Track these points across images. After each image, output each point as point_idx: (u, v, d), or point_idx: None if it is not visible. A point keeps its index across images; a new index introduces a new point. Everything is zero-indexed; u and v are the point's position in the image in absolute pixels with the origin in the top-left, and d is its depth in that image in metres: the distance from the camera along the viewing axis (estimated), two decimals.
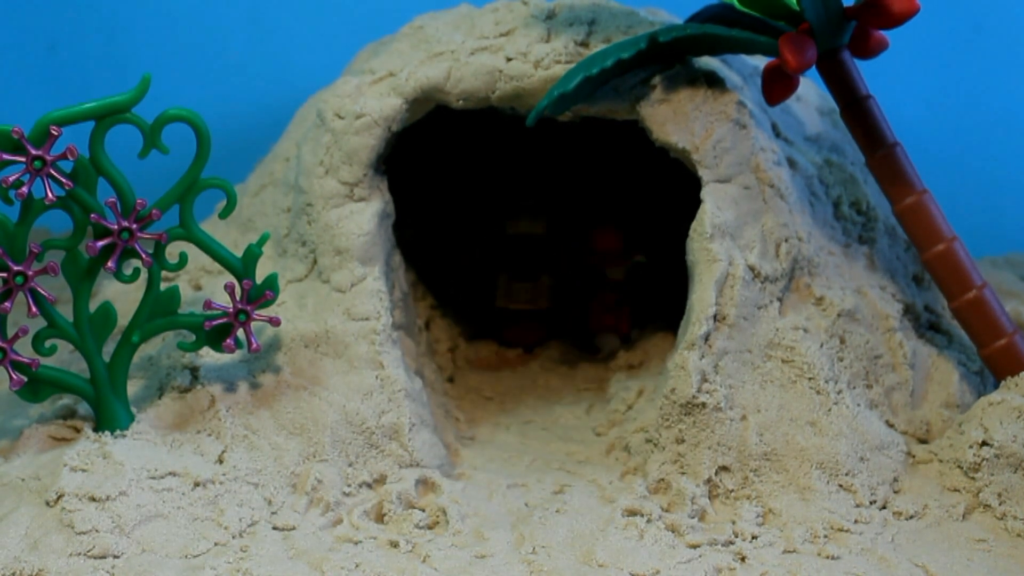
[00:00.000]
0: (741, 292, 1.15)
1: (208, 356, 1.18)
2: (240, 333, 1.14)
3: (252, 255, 1.12)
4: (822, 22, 1.14)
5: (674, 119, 1.18)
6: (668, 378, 1.14)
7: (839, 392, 1.15)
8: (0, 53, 1.76)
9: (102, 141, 1.07)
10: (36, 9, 1.75)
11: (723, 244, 1.16)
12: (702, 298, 1.14)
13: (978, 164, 1.82)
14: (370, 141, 1.22)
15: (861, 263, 1.25)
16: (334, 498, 1.10)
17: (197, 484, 1.07)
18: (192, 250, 1.15)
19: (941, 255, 1.17)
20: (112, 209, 1.07)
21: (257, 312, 1.12)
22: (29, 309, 1.07)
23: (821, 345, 1.17)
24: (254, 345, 1.12)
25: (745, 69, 1.29)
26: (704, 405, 1.12)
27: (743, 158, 1.18)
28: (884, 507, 1.11)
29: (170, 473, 1.07)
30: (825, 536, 1.07)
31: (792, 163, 1.25)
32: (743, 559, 1.03)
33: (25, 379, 1.09)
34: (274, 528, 1.06)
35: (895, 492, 1.13)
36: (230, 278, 1.12)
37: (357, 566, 1.00)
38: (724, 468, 1.12)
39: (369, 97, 1.23)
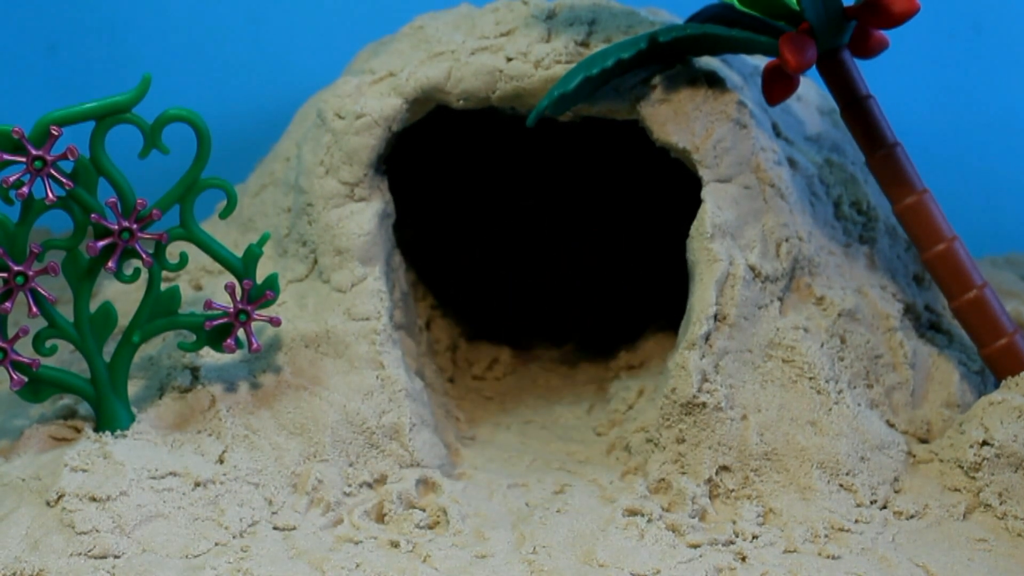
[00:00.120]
0: (742, 292, 1.15)
1: (208, 356, 1.18)
2: (240, 333, 1.14)
3: (252, 255, 1.12)
4: (822, 22, 1.14)
5: (674, 119, 1.18)
6: (669, 378, 1.14)
7: (839, 392, 1.15)
8: (0, 53, 1.76)
9: (102, 141, 1.07)
10: (36, 9, 1.75)
11: (724, 244, 1.16)
12: (702, 298, 1.14)
13: (978, 164, 1.82)
14: (370, 141, 1.22)
15: (862, 263, 1.25)
16: (335, 498, 1.10)
17: (198, 484, 1.07)
18: (192, 250, 1.15)
19: (941, 255, 1.17)
20: (112, 209, 1.07)
21: (257, 312, 1.12)
22: (30, 309, 1.07)
23: (822, 345, 1.17)
24: (255, 345, 1.12)
25: (745, 69, 1.29)
26: (705, 405, 1.12)
27: (743, 158, 1.18)
28: (885, 507, 1.11)
29: (171, 473, 1.07)
30: (826, 536, 1.07)
31: (792, 163, 1.25)
32: (744, 559, 1.03)
33: (26, 379, 1.09)
34: (275, 528, 1.06)
35: (896, 492, 1.13)
36: (231, 278, 1.12)
37: (358, 566, 1.00)
38: (725, 468, 1.12)
39: (369, 97, 1.23)
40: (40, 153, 1.04)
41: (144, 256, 1.09)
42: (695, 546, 1.04)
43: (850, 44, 1.18)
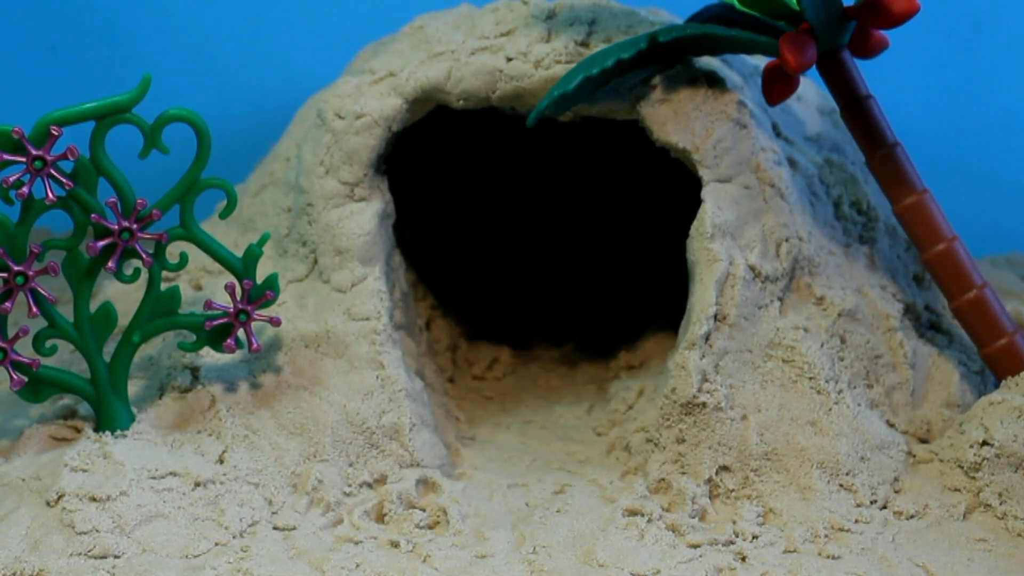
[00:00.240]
0: (742, 292, 1.15)
1: (208, 356, 1.18)
2: (240, 333, 1.14)
3: (252, 255, 1.12)
4: (822, 22, 1.14)
5: (674, 119, 1.18)
6: (669, 378, 1.14)
7: (839, 392, 1.15)
8: (0, 53, 1.76)
9: (102, 141, 1.07)
10: (36, 9, 1.75)
11: (724, 244, 1.16)
12: (703, 298, 1.14)
13: (978, 164, 1.82)
14: (370, 141, 1.22)
15: (862, 263, 1.25)
16: (335, 498, 1.10)
17: (198, 484, 1.07)
18: (192, 250, 1.15)
19: (941, 255, 1.17)
20: (112, 209, 1.07)
21: (257, 312, 1.12)
22: (30, 309, 1.07)
23: (822, 345, 1.17)
24: (255, 345, 1.12)
25: (745, 69, 1.29)
26: (705, 405, 1.12)
27: (743, 158, 1.18)
28: (885, 507, 1.11)
29: (171, 473, 1.07)
30: (826, 536, 1.07)
31: (792, 163, 1.25)
32: (744, 559, 1.03)
33: (26, 379, 1.09)
34: (275, 528, 1.06)
35: (896, 492, 1.13)
36: (231, 278, 1.12)
37: (358, 566, 1.00)
38: (725, 468, 1.12)
39: (369, 97, 1.23)
40: (40, 153, 1.04)
41: (144, 256, 1.09)
42: (695, 546, 1.04)
43: (850, 44, 1.18)
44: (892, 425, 1.18)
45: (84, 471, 1.05)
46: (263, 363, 1.17)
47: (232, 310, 1.12)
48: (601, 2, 1.26)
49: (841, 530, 1.08)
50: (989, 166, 1.83)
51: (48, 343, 1.10)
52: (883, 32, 1.18)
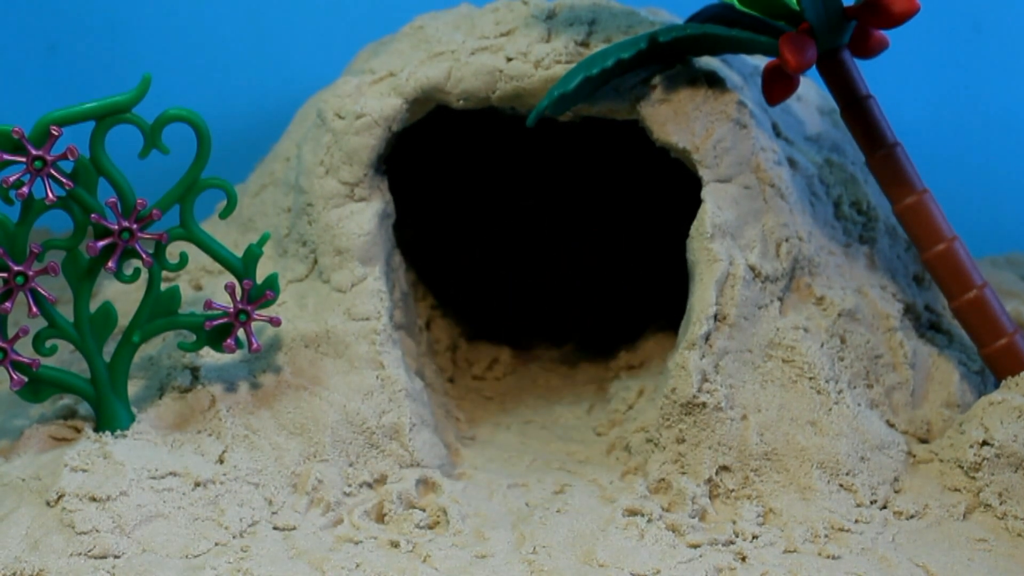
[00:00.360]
0: (742, 292, 1.15)
1: (208, 356, 1.18)
2: (240, 333, 1.14)
3: (252, 255, 1.12)
4: (822, 22, 1.14)
5: (675, 119, 1.18)
6: (669, 378, 1.14)
7: (839, 392, 1.15)
8: (0, 53, 1.76)
9: (102, 141, 1.07)
10: (36, 9, 1.75)
11: (724, 244, 1.16)
12: (702, 298, 1.14)
13: (978, 164, 1.82)
14: (370, 141, 1.22)
15: (862, 263, 1.25)
16: (335, 498, 1.10)
17: (198, 484, 1.07)
18: (192, 250, 1.15)
19: (941, 255, 1.17)
20: (112, 209, 1.07)
21: (257, 312, 1.12)
22: (30, 309, 1.07)
23: (822, 345, 1.17)
24: (255, 345, 1.12)
25: (745, 69, 1.29)
26: (705, 405, 1.12)
27: (743, 158, 1.18)
28: (885, 507, 1.11)
29: (171, 473, 1.07)
30: (826, 536, 1.07)
31: (792, 163, 1.25)
32: (744, 559, 1.03)
33: (26, 379, 1.09)
34: (275, 528, 1.06)
35: (896, 492, 1.13)
36: (231, 278, 1.12)
37: (358, 566, 1.00)
38: (725, 468, 1.12)
39: (369, 97, 1.23)
40: (40, 153, 1.04)
41: (144, 256, 1.09)
42: (695, 546, 1.04)
43: (850, 44, 1.18)
44: (892, 425, 1.18)
45: (84, 471, 1.05)
46: (263, 363, 1.17)
47: (232, 310, 1.12)
48: (601, 2, 1.26)
49: (841, 530, 1.08)
50: (989, 166, 1.83)
51: (48, 343, 1.10)
52: (883, 32, 1.18)
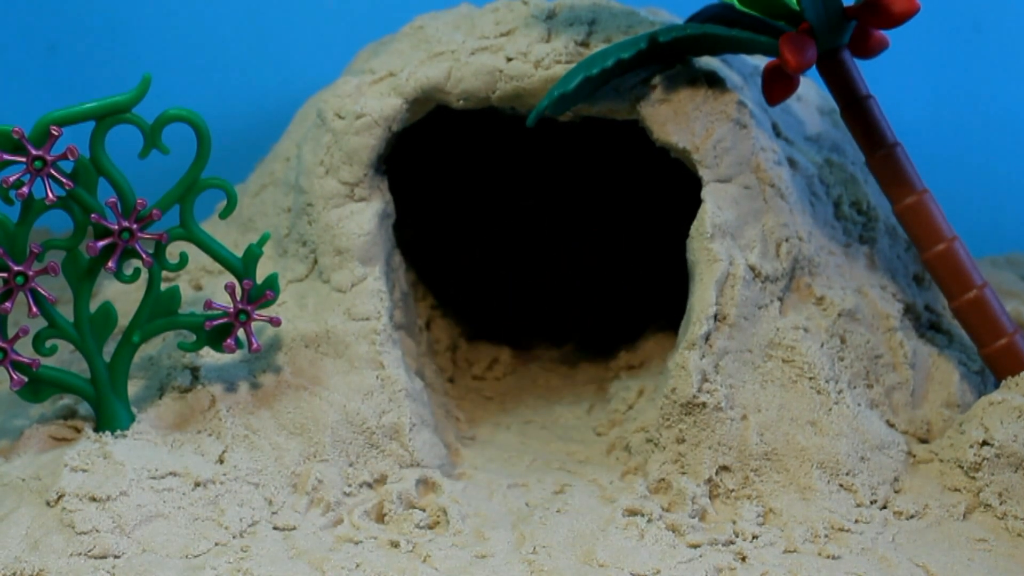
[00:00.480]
0: (742, 292, 1.15)
1: (208, 356, 1.18)
2: (240, 333, 1.14)
3: (252, 255, 1.12)
4: (822, 22, 1.14)
5: (674, 119, 1.18)
6: (669, 378, 1.14)
7: (839, 392, 1.15)
8: (0, 53, 1.76)
9: (102, 141, 1.07)
10: (36, 9, 1.75)
11: (724, 244, 1.16)
12: (702, 298, 1.14)
13: (978, 164, 1.82)
14: (370, 141, 1.22)
15: (862, 263, 1.25)
16: (335, 498, 1.10)
17: (198, 484, 1.07)
18: (192, 250, 1.15)
19: (941, 255, 1.17)
20: (112, 209, 1.07)
21: (257, 312, 1.12)
22: (30, 309, 1.07)
23: (822, 345, 1.17)
24: (255, 345, 1.12)
25: (745, 69, 1.29)
26: (705, 405, 1.12)
27: (743, 158, 1.18)
28: (885, 507, 1.11)
29: (171, 473, 1.07)
30: (826, 536, 1.07)
31: (792, 163, 1.25)
32: (744, 559, 1.03)
33: (26, 379, 1.09)
34: (275, 528, 1.06)
35: (896, 492, 1.13)
36: (231, 278, 1.12)
37: (358, 566, 1.00)
38: (725, 468, 1.12)
39: (369, 97, 1.23)
40: (40, 153, 1.04)
41: (144, 256, 1.09)
42: (695, 546, 1.04)
43: (850, 44, 1.18)
44: (892, 425, 1.18)
45: (84, 471, 1.05)
46: (263, 363, 1.17)
47: (232, 310, 1.12)
48: (601, 2, 1.26)
49: (841, 530, 1.08)
50: (989, 166, 1.83)
51: (48, 343, 1.10)
52: (883, 32, 1.18)
